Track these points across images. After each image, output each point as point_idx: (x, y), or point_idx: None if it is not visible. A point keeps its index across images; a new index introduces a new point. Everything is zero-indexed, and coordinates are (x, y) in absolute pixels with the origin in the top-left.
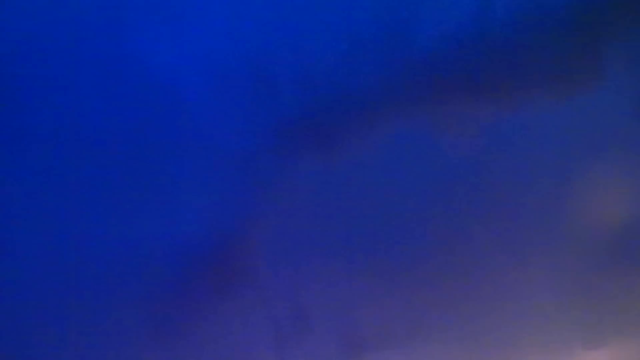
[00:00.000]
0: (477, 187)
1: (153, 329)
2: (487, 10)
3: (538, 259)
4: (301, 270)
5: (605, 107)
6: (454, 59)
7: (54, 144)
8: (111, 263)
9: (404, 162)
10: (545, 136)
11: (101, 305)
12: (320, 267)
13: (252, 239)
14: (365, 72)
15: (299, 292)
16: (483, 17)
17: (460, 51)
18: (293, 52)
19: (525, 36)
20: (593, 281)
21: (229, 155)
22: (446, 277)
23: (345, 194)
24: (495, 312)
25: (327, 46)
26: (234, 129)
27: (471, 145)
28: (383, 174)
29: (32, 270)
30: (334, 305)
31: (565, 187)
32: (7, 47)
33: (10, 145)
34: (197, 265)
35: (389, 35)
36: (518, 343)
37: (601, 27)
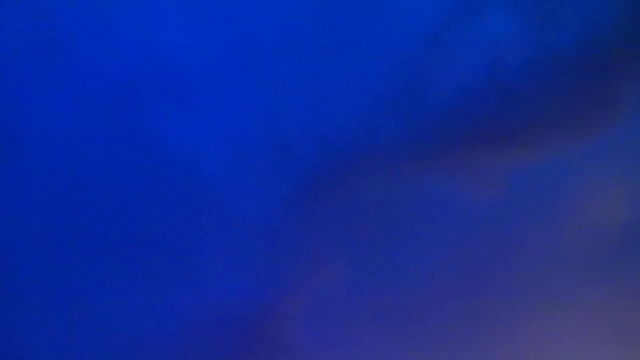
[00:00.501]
0: (503, 236)
1: None
2: (497, 61)
3: (562, 307)
4: (333, 338)
5: (626, 142)
6: (469, 111)
7: (82, 224)
8: (144, 339)
9: (426, 216)
10: (566, 178)
11: None
12: (352, 334)
13: (284, 309)
14: (384, 132)
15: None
16: (494, 68)
17: (475, 103)
18: (311, 119)
19: (538, 82)
20: (623, 329)
21: (254, 226)
22: (472, 327)
23: (372, 251)
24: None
25: (345, 110)
26: (257, 200)
27: (493, 194)
28: (407, 231)
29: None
30: None
31: (592, 229)
32: (36, 131)
33: (40, 230)
34: (229, 338)
35: (404, 93)
36: None
37: (615, 63)
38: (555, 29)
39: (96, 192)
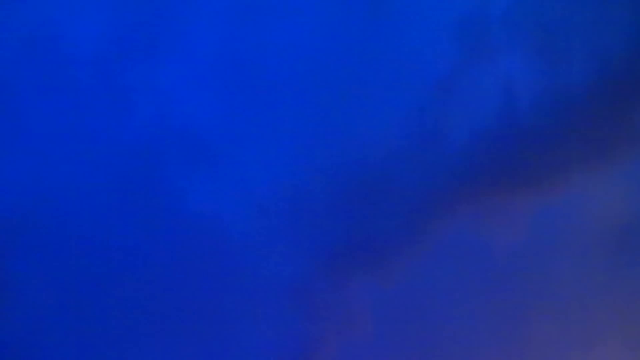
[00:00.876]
0: (527, 276)
1: None
2: (511, 102)
3: (591, 345)
4: None
5: None
6: (486, 154)
7: (102, 287)
8: None
9: (452, 263)
10: (588, 214)
11: None
12: None
13: None
14: (403, 182)
15: None
16: (509, 109)
17: (492, 146)
18: (329, 175)
19: (553, 120)
20: None
21: (279, 284)
22: None
23: (400, 306)
24: None
25: (363, 162)
26: (280, 258)
27: (517, 234)
28: (433, 280)
29: None
30: None
31: (619, 266)
32: (55, 197)
33: (61, 294)
34: None
35: (420, 141)
36: None
37: (628, 97)
38: (567, 67)
39: (117, 255)
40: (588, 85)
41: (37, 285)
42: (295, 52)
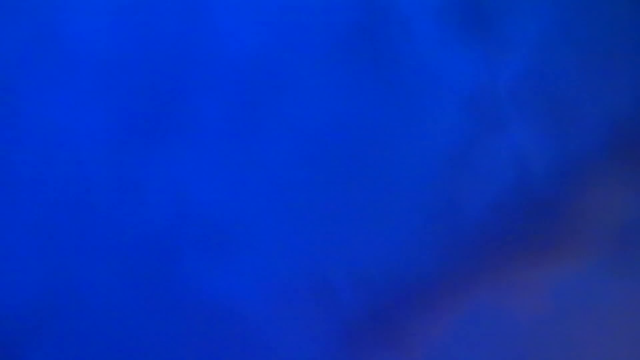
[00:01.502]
0: (552, 348)
1: None
2: (525, 172)
3: None
4: None
5: None
6: (503, 227)
7: None
8: None
9: (475, 339)
10: (611, 283)
11: None
12: None
13: None
14: (421, 258)
15: None
16: (523, 180)
17: (508, 218)
18: (347, 255)
19: (568, 187)
20: None
21: None
22: None
23: None
24: None
25: (381, 242)
26: (301, 338)
27: (540, 306)
28: (456, 353)
29: None
30: None
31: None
32: (72, 292)
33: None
34: None
35: (436, 219)
36: None
37: None
38: (579, 133)
39: (135, 346)
40: (602, 150)
41: None
42: (307, 132)
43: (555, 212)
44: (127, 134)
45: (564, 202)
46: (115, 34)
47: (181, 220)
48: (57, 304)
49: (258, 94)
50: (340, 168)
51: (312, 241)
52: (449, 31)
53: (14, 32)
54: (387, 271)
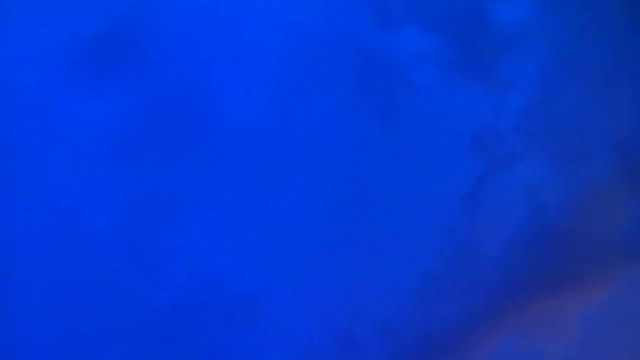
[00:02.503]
0: None
1: None
2: (537, 205)
3: None
4: None
5: None
6: (520, 262)
7: None
8: None
9: None
10: (636, 307)
11: None
12: None
13: None
14: (442, 303)
15: None
16: (535, 212)
17: (524, 252)
18: (369, 306)
19: (583, 217)
20: None
21: None
22: None
23: None
24: None
25: (400, 291)
26: None
27: (568, 338)
28: None
29: None
30: None
31: None
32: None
33: None
34: None
35: (453, 261)
36: None
37: None
38: (587, 162)
39: None
40: (611, 175)
41: None
42: (318, 191)
43: (572, 241)
44: (143, 208)
45: (581, 231)
46: (127, 110)
47: (200, 292)
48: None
49: (267, 160)
50: (353, 222)
51: (332, 298)
52: (448, 74)
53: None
54: (410, 319)
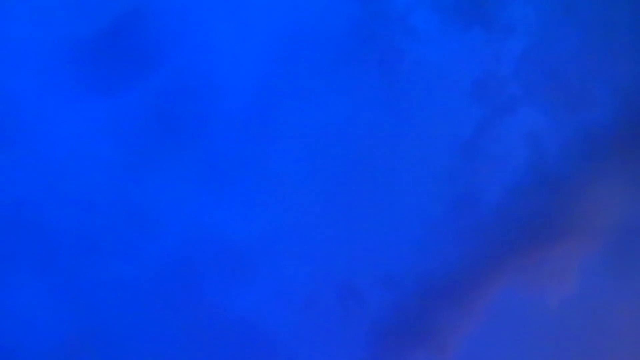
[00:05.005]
0: (585, 327)
1: None
2: (538, 152)
3: None
4: None
5: None
6: (521, 210)
7: None
8: None
9: (505, 324)
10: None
11: None
12: None
13: None
14: (444, 252)
15: None
16: (537, 160)
17: (525, 200)
18: (370, 255)
19: (583, 163)
20: None
21: None
22: None
23: None
24: None
25: (402, 240)
26: (328, 348)
27: (567, 288)
28: (488, 343)
29: None
30: None
31: None
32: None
33: None
34: None
35: (454, 209)
36: None
37: None
38: (589, 108)
39: None
40: (613, 123)
41: None
42: (317, 139)
43: (572, 189)
44: (139, 158)
45: (581, 178)
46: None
47: (199, 243)
48: (86, 339)
49: (267, 110)
50: (354, 171)
51: (332, 248)
52: (448, 20)
53: None
54: (411, 269)
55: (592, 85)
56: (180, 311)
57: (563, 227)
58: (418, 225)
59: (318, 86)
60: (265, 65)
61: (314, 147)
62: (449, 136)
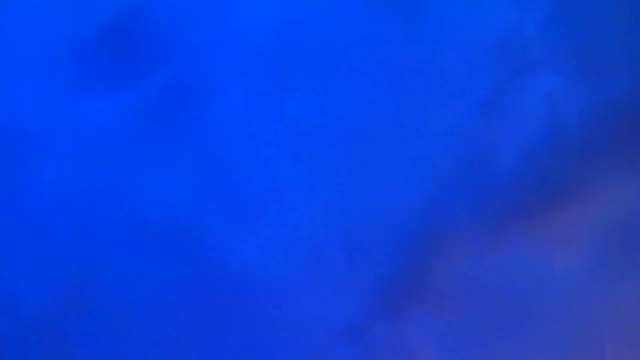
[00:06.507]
0: (592, 295)
1: None
2: (555, 115)
3: None
4: None
5: None
6: (535, 172)
7: (156, 345)
8: None
9: (510, 288)
10: None
11: None
12: None
13: None
14: (453, 208)
15: None
16: (553, 123)
17: (540, 163)
18: (377, 209)
19: (601, 131)
20: None
21: (335, 326)
22: None
23: (460, 339)
24: None
25: (412, 195)
26: (334, 300)
27: (576, 252)
28: (492, 307)
29: None
30: None
31: None
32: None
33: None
34: None
35: (466, 167)
36: None
37: None
38: (610, 76)
39: (167, 315)
40: (635, 93)
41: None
42: (332, 90)
43: (589, 156)
44: (150, 106)
45: (598, 146)
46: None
47: (207, 192)
48: (89, 284)
49: (282, 59)
50: (368, 123)
51: (341, 199)
52: None
53: None
54: (420, 225)
55: (616, 53)
56: (185, 258)
57: (575, 193)
58: (429, 182)
59: (336, 37)
60: (279, 18)
61: (328, 97)
62: (467, 94)
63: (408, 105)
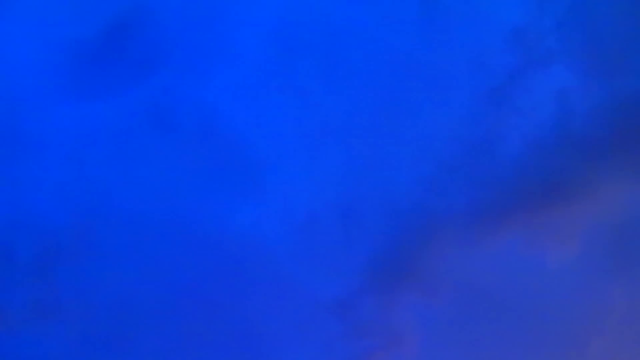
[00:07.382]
0: (581, 291)
1: None
2: (565, 110)
3: None
4: None
5: None
6: (539, 165)
7: (154, 307)
8: None
9: (501, 277)
10: None
11: None
12: None
13: None
14: (452, 193)
15: None
16: (563, 118)
17: (545, 156)
18: (378, 186)
19: (609, 128)
20: None
21: (326, 300)
22: None
23: (447, 321)
24: None
25: (411, 173)
26: (326, 274)
27: (570, 250)
28: (481, 293)
29: None
30: None
31: None
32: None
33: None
34: None
35: (471, 152)
36: None
37: None
38: (622, 73)
39: (164, 278)
40: None
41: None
42: (339, 62)
43: (594, 152)
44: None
45: (604, 143)
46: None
47: (209, 149)
48: (92, 220)
49: (290, 26)
50: (375, 98)
51: (340, 171)
52: None
53: None
54: (417, 205)
55: (631, 53)
56: (182, 218)
57: (576, 191)
58: (432, 163)
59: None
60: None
61: (333, 71)
62: (478, 80)
63: (417, 86)
